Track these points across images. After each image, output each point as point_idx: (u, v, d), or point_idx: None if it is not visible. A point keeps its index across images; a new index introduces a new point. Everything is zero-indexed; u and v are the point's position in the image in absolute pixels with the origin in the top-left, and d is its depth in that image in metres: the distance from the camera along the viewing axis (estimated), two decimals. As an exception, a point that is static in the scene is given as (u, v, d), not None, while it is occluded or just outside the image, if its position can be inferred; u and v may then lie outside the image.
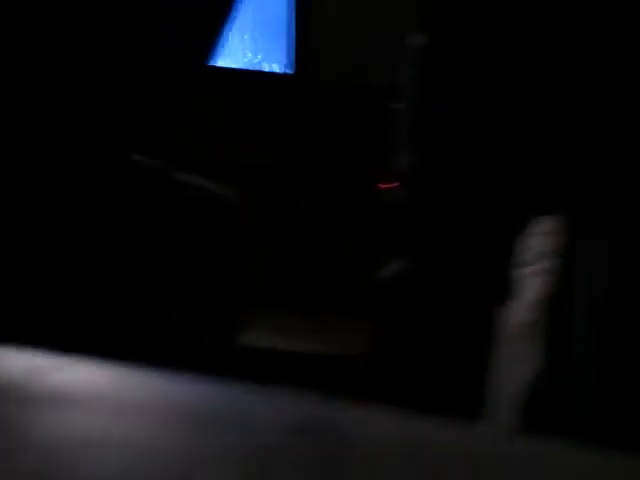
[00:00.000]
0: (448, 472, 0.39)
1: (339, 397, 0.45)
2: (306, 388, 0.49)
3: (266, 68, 3.01)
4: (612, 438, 1.07)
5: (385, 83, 2.79)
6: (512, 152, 1.42)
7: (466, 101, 1.47)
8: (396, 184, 1.64)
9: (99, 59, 1.03)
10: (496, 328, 1.30)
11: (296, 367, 2.30)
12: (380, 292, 1.70)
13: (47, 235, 1.01)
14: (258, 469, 0.37)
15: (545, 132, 1.38)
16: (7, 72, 0.96)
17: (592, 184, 1.28)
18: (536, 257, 1.24)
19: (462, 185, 1.46)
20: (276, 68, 3.00)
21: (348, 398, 0.45)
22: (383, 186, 1.91)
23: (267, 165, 2.84)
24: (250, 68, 3.00)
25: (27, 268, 1.01)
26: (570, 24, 1.34)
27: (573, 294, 1.17)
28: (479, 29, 1.44)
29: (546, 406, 1.16)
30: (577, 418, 1.12)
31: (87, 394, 0.43)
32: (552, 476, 0.40)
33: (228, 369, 1.18)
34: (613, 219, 1.24)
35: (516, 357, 1.25)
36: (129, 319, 1.08)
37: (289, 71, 2.97)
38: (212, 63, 1.20)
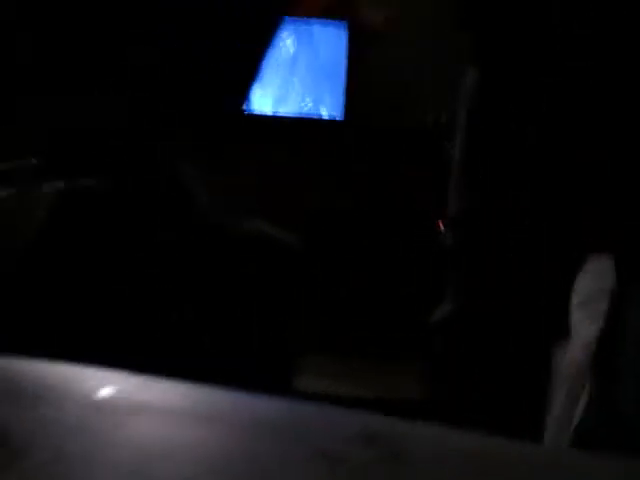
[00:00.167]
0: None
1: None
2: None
3: (316, 113, 3.06)
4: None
5: (434, 125, 2.82)
6: (566, 191, 1.42)
7: (517, 139, 1.47)
8: (448, 225, 1.64)
9: (160, 109, 1.06)
10: (551, 367, 1.30)
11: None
12: (434, 333, 1.70)
13: (111, 271, 1.03)
14: (323, 475, 0.38)
15: (597, 173, 1.38)
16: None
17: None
18: (590, 296, 1.23)
19: (515, 224, 1.46)
20: (325, 113, 3.05)
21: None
22: (438, 227, 1.92)
23: (321, 208, 2.87)
24: (300, 113, 3.05)
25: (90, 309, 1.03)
26: (613, 63, 1.35)
27: (625, 334, 1.16)
28: (529, 68, 1.45)
29: (594, 445, 1.15)
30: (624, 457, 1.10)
31: (160, 406, 0.47)
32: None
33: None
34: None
35: (570, 396, 1.24)
36: (186, 363, 1.09)
37: (339, 116, 3.02)
38: (270, 110, 1.22)
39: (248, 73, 1.12)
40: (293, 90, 3.05)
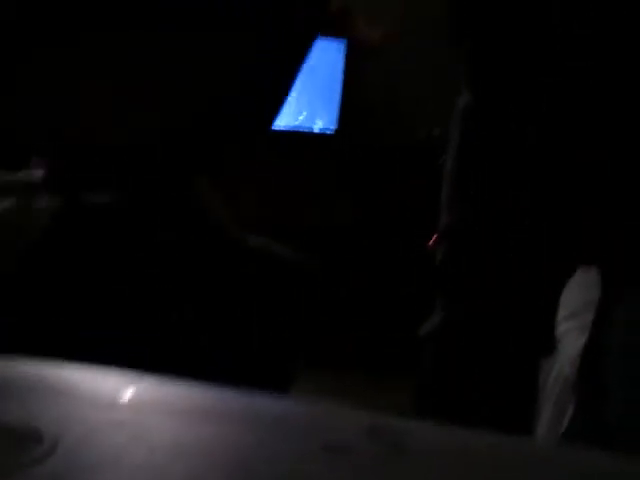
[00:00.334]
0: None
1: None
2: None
3: (311, 127, 3.07)
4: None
5: (427, 139, 2.83)
6: (556, 205, 1.42)
7: (508, 157, 1.48)
8: (438, 240, 1.65)
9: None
10: (539, 380, 1.30)
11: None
12: (422, 346, 1.70)
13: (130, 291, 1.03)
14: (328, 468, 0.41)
15: (585, 191, 1.39)
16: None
17: (631, 237, 1.28)
18: (577, 308, 1.24)
19: (504, 238, 1.47)
20: (320, 126, 3.06)
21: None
22: (427, 243, 1.92)
23: (315, 225, 2.88)
24: (295, 127, 3.07)
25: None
26: (614, 81, 1.36)
27: (610, 346, 1.16)
28: (524, 91, 1.46)
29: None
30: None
31: (174, 405, 0.51)
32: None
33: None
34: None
35: (557, 409, 1.24)
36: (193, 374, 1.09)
37: (332, 129, 3.04)
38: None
39: (276, 92, 1.11)
40: (289, 104, 3.06)
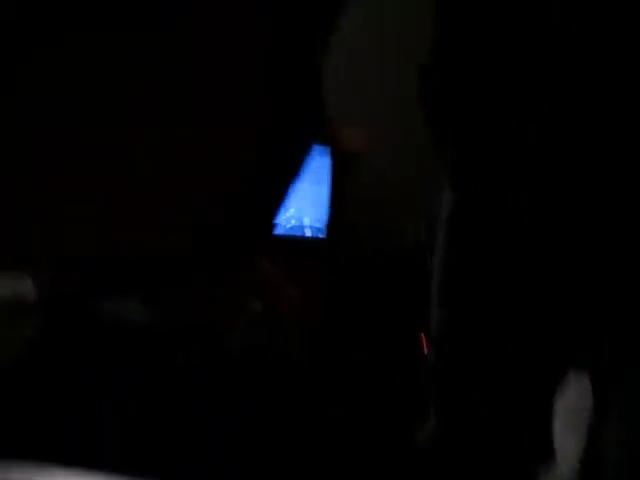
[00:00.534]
0: None
1: None
2: None
3: (300, 232, 3.09)
4: None
5: (415, 244, 2.84)
6: (543, 301, 1.43)
7: (495, 260, 1.49)
8: (429, 343, 1.64)
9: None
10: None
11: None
12: (420, 455, 1.67)
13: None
14: None
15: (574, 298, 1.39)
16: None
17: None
18: (572, 416, 1.22)
19: (495, 342, 1.46)
20: (308, 230, 3.08)
21: None
22: (421, 345, 1.91)
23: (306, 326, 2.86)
24: (284, 231, 3.08)
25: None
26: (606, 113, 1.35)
27: (607, 448, 1.15)
28: (511, 188, 1.48)
29: None
30: None
31: None
32: None
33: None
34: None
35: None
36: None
37: (321, 234, 3.05)
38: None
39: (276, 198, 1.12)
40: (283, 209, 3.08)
